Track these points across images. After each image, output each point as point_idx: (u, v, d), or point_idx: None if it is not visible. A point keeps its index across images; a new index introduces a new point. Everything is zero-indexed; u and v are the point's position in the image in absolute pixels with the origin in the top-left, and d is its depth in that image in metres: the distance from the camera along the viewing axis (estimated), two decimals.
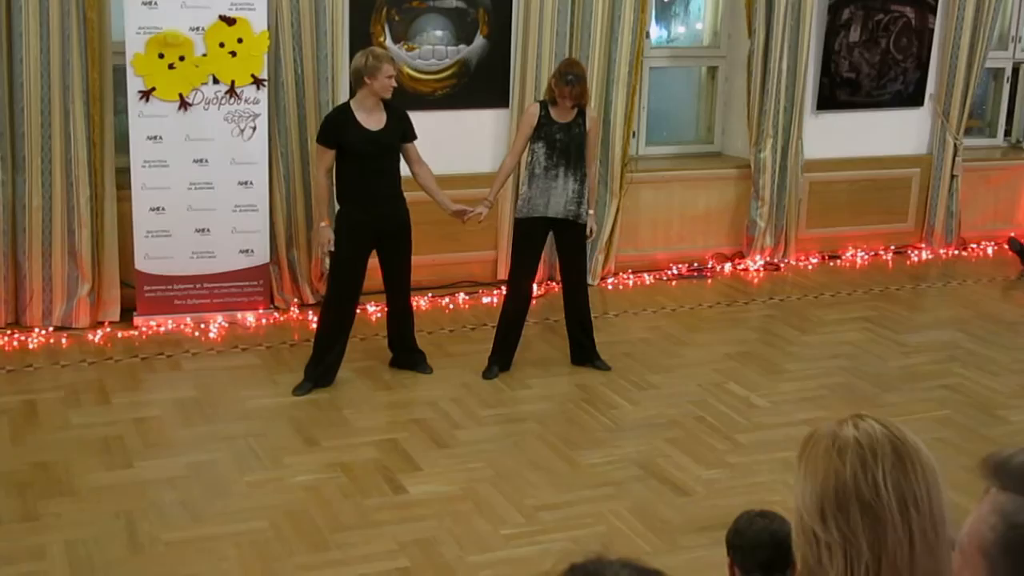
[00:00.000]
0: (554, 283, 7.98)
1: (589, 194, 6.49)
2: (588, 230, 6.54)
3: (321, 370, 6.23)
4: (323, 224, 6.23)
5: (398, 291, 6.37)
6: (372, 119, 6.06)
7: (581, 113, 6.30)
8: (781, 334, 7.43)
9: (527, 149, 6.38)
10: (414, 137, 6.23)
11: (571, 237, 6.46)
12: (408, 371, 6.49)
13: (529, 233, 6.43)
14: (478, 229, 7.24)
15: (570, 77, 6.16)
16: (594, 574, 1.46)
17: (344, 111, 6.12)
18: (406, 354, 6.53)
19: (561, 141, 6.25)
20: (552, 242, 6.67)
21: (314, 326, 6.53)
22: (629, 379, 6.52)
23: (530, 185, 6.34)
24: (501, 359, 6.53)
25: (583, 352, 6.66)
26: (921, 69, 9.27)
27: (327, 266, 7.27)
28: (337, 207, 6.27)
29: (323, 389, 6.20)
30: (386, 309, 6.59)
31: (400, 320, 6.48)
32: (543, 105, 6.32)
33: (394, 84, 6.07)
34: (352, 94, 6.14)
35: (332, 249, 6.18)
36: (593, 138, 6.44)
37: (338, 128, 6.05)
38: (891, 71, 9.18)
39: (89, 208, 6.92)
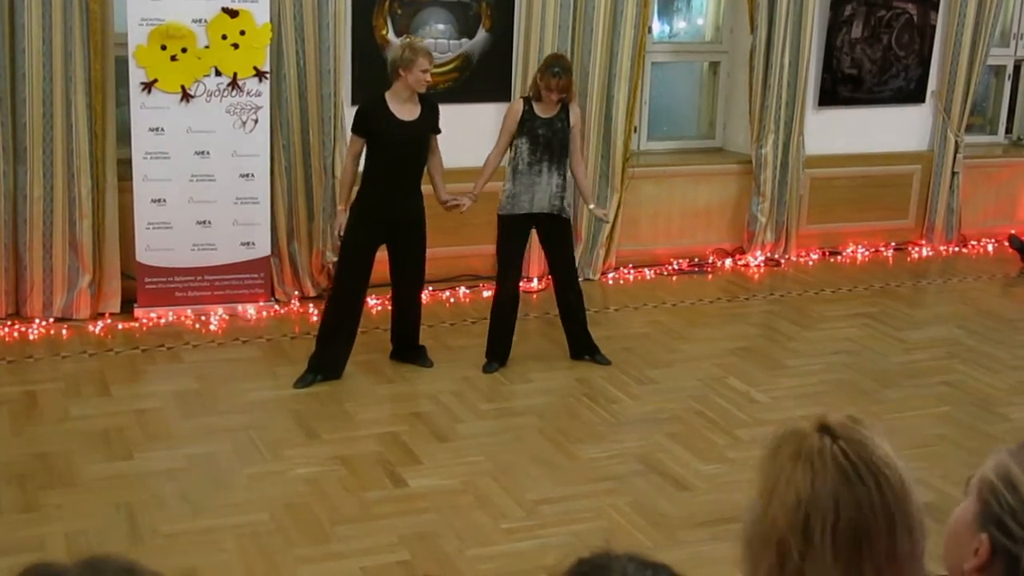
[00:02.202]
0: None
1: (585, 190, 6.70)
2: (603, 215, 6.85)
3: (327, 360, 6.21)
4: (340, 208, 6.30)
5: (411, 286, 6.38)
6: (405, 110, 6.09)
7: (564, 109, 6.31)
8: (781, 330, 7.43)
9: (511, 145, 6.39)
10: (438, 131, 6.28)
11: (554, 232, 6.47)
12: (409, 364, 6.49)
13: (513, 230, 6.44)
14: (474, 227, 7.24)
15: (556, 69, 6.20)
16: (601, 568, 1.47)
17: (378, 100, 6.13)
18: (409, 349, 6.53)
19: (544, 136, 6.26)
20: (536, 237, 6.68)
21: (315, 318, 6.52)
22: (629, 374, 6.53)
23: (514, 182, 6.34)
24: (497, 354, 6.53)
25: (581, 346, 6.66)
26: (923, 66, 9.27)
27: (328, 259, 7.29)
28: (358, 190, 6.24)
29: (323, 382, 6.19)
30: (392, 303, 6.55)
31: (409, 316, 6.47)
32: (527, 101, 6.33)
33: (429, 79, 6.09)
34: (389, 84, 6.15)
35: (342, 234, 6.18)
36: (576, 134, 6.40)
37: (370, 118, 6.07)
38: (893, 67, 9.17)
39: (90, 199, 6.92)
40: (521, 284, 6.83)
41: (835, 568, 1.63)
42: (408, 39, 6.48)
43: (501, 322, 6.55)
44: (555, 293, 6.68)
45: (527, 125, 6.27)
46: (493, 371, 6.45)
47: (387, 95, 6.12)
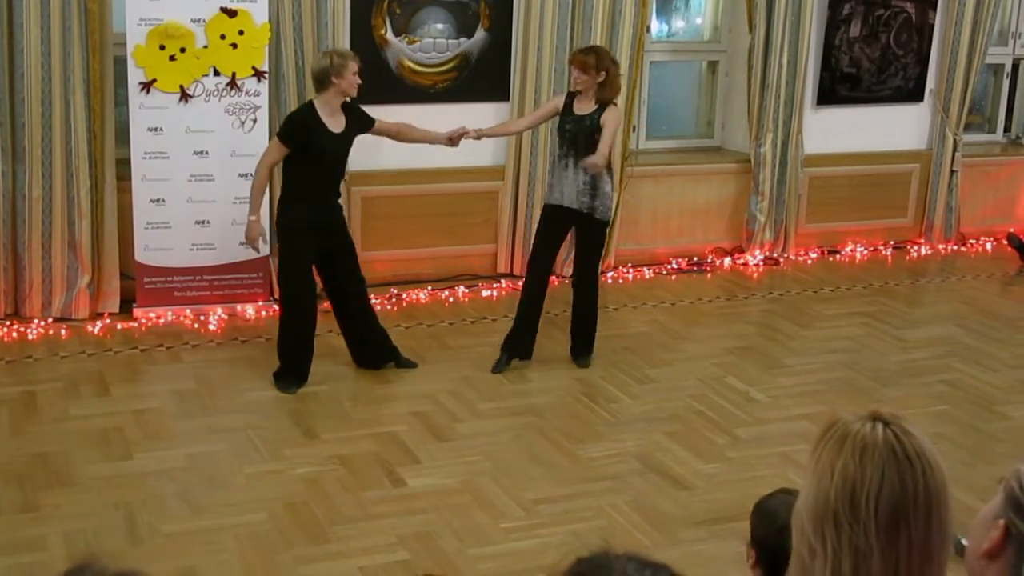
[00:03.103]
0: (555, 277, 7.97)
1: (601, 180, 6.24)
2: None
3: (302, 371, 6.16)
4: (253, 218, 6.13)
5: (358, 288, 6.29)
6: (335, 121, 6.01)
7: (602, 109, 6.23)
8: (780, 329, 7.43)
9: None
10: (372, 120, 6.22)
11: (584, 232, 6.41)
12: (391, 369, 6.41)
13: (548, 219, 6.43)
14: (473, 227, 7.20)
15: (577, 50, 6.27)
16: (600, 568, 1.47)
17: (311, 111, 6.01)
18: (384, 350, 6.43)
19: (569, 132, 6.27)
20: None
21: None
22: (629, 373, 6.53)
23: (551, 172, 6.50)
24: (512, 348, 6.46)
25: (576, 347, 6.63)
26: (921, 64, 9.27)
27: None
28: (281, 205, 6.15)
29: (321, 382, 6.19)
30: (343, 317, 6.36)
31: (371, 320, 6.39)
32: (570, 95, 6.36)
33: (359, 81, 6.02)
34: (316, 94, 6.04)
35: (264, 242, 6.27)
36: (606, 133, 6.12)
37: (306, 130, 5.95)
38: (891, 66, 9.17)
39: (89, 199, 6.91)
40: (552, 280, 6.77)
41: (876, 544, 1.65)
42: (328, 49, 6.38)
43: (524, 313, 6.45)
44: (572, 294, 6.66)
45: (560, 119, 6.36)
46: (500, 369, 6.39)
47: (317, 106, 5.98)
